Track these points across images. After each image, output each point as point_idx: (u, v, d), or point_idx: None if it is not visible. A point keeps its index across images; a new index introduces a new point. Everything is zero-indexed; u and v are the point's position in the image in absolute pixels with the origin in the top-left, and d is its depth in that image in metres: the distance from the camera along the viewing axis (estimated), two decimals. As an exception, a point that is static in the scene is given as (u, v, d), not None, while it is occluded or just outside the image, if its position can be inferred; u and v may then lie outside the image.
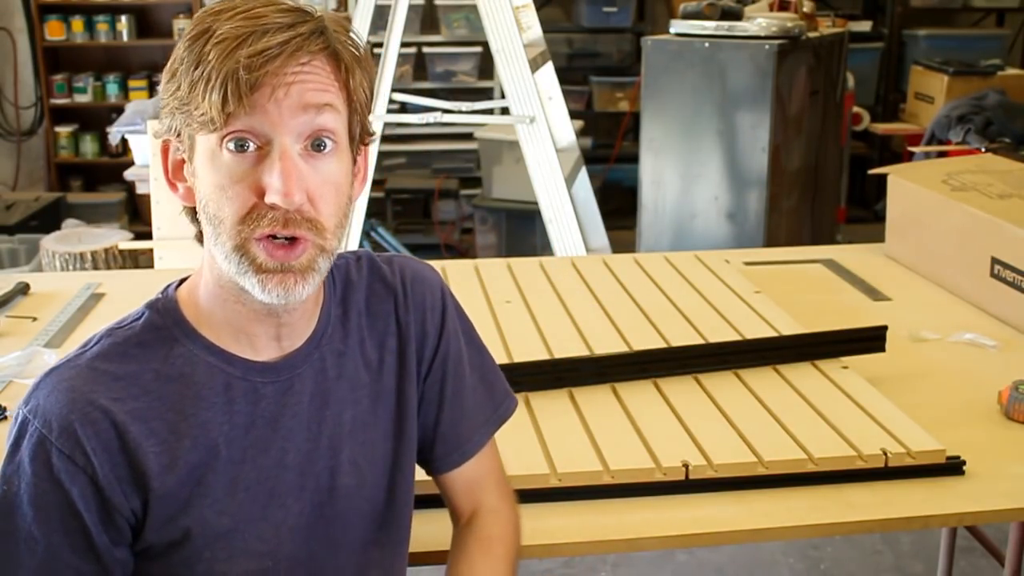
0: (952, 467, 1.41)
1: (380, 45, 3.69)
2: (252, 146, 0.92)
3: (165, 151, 1.00)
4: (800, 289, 2.12)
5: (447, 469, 1.18)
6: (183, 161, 0.98)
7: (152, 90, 5.56)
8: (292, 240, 0.94)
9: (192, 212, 1.00)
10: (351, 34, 0.98)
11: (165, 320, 1.01)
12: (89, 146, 5.74)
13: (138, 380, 0.98)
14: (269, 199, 0.92)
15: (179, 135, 0.96)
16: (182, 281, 1.06)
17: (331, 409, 1.05)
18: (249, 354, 1.02)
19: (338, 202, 0.97)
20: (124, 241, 3.57)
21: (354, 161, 1.01)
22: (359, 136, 1.00)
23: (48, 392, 0.96)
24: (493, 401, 1.20)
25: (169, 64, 0.95)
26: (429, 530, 1.24)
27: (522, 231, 4.94)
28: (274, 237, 0.94)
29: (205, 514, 0.98)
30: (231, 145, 0.92)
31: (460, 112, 3.71)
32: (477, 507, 1.19)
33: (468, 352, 1.18)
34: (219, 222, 0.94)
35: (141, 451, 0.95)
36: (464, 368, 1.17)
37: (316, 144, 0.94)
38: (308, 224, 0.94)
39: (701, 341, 1.76)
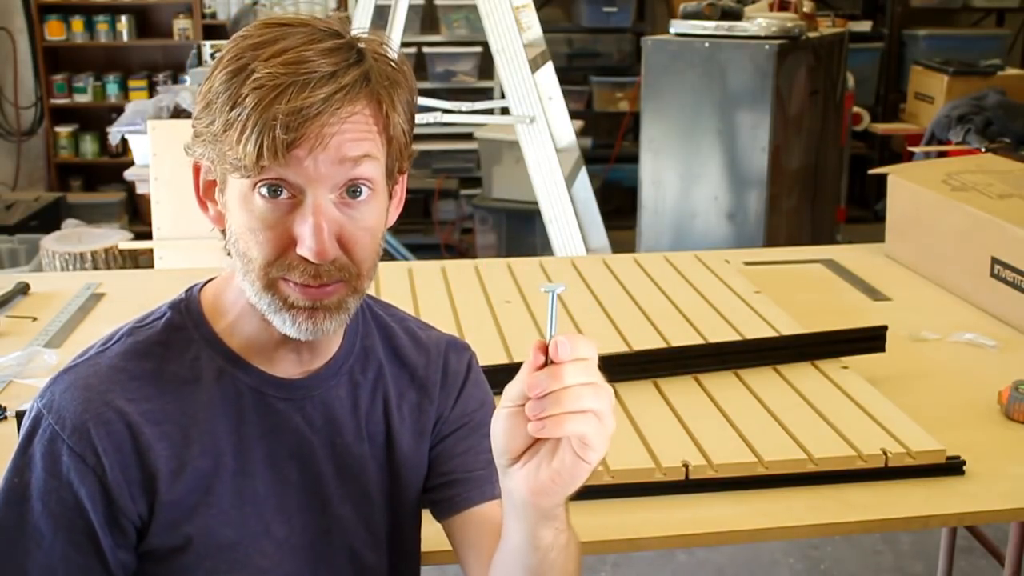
0: (952, 467, 1.40)
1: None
2: (285, 194, 0.92)
3: (197, 170, 0.99)
4: (800, 289, 2.12)
5: (464, 507, 1.10)
6: (214, 183, 0.98)
7: (152, 90, 5.55)
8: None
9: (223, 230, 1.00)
10: (391, 62, 0.95)
11: (186, 321, 1.01)
12: (89, 146, 5.74)
13: (155, 380, 0.97)
14: (300, 252, 0.92)
15: (212, 162, 0.95)
16: (207, 282, 1.05)
17: (344, 438, 1.05)
18: (267, 367, 1.01)
19: (372, 246, 0.97)
20: (124, 241, 3.57)
21: (390, 193, 1.00)
22: (397, 168, 0.99)
23: (64, 388, 0.96)
24: None
25: (204, 89, 0.93)
26: (431, 530, 1.24)
27: (522, 231, 4.94)
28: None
29: (209, 524, 0.98)
30: (264, 191, 0.91)
31: (460, 112, 3.71)
32: None
33: (484, 417, 1.11)
34: (248, 261, 0.94)
35: (153, 453, 0.95)
36: (480, 427, 1.12)
37: (352, 191, 0.93)
38: (340, 273, 0.94)
39: (701, 341, 1.76)
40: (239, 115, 0.88)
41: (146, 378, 0.97)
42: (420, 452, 1.11)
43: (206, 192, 0.99)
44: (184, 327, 1.01)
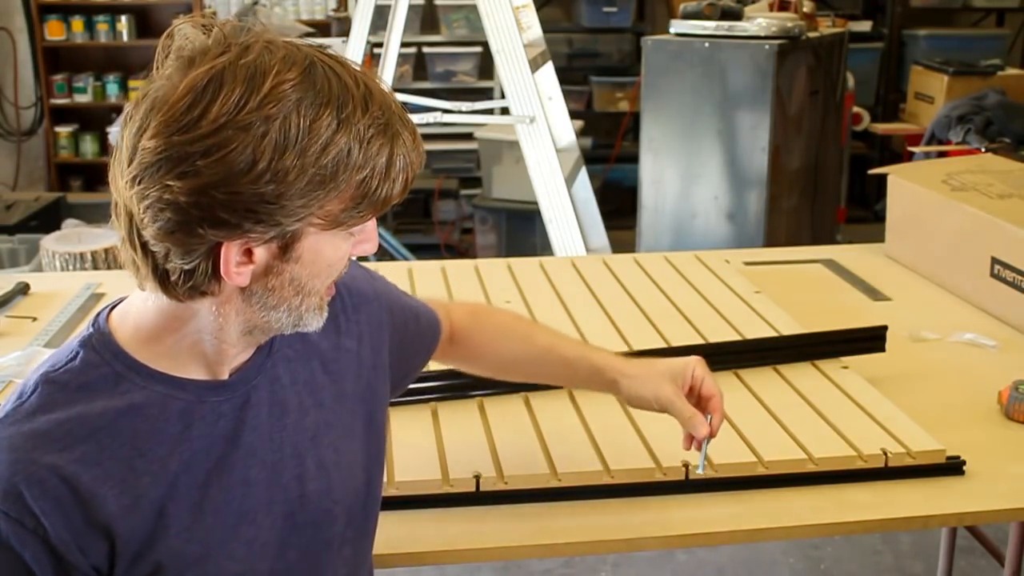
0: (952, 467, 1.41)
1: (380, 45, 3.68)
2: None
3: (219, 251, 0.89)
4: (800, 289, 2.12)
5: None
6: (250, 250, 0.90)
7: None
8: None
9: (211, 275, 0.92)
10: None
11: (103, 356, 0.96)
12: (89, 146, 5.74)
13: (85, 422, 0.93)
14: (362, 252, 0.98)
15: (278, 222, 0.88)
16: (112, 308, 1.01)
17: (291, 416, 1.04)
18: (199, 375, 0.98)
19: None
20: (124, 241, 3.57)
21: None
22: None
23: None
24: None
25: (296, 154, 0.86)
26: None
27: (522, 231, 4.94)
28: None
29: (173, 544, 0.94)
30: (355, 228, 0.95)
31: (460, 112, 3.71)
32: (457, 325, 1.33)
33: (401, 299, 1.25)
34: (311, 291, 0.95)
35: (98, 499, 0.91)
36: (405, 311, 1.25)
37: None
38: None
39: (701, 341, 1.76)
40: (389, 167, 0.91)
41: (75, 421, 0.92)
42: (377, 391, 1.15)
43: (238, 264, 0.91)
44: (103, 362, 0.96)
